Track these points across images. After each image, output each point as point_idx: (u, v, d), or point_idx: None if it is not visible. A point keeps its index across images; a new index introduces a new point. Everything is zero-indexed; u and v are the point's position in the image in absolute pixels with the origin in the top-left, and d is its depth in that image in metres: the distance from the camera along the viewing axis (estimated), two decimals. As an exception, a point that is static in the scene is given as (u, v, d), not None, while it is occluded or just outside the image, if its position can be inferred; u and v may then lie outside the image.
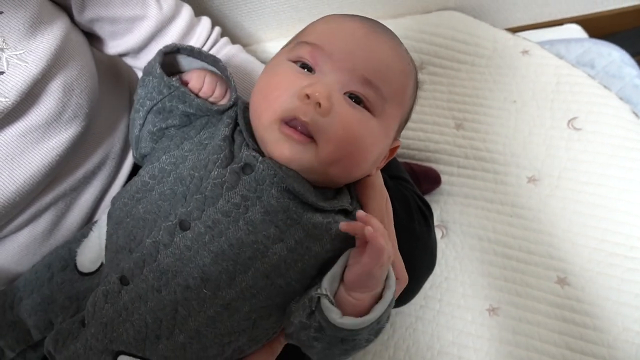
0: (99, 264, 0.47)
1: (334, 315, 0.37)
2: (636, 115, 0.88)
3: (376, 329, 0.39)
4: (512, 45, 0.98)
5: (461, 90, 0.96)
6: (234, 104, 0.46)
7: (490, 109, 0.94)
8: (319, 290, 0.38)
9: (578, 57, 0.99)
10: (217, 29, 0.64)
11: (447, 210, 0.88)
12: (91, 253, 0.48)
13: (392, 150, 0.49)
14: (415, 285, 0.68)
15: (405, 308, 0.80)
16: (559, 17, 1.11)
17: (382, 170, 0.66)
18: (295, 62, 0.43)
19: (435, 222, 0.80)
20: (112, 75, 0.67)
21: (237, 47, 0.66)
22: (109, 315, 0.41)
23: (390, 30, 0.46)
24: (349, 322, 0.37)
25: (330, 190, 0.45)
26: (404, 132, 0.95)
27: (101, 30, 0.56)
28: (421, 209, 0.67)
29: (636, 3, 1.12)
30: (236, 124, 0.45)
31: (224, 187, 0.41)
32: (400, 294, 0.68)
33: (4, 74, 0.44)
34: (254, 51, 0.99)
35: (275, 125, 0.41)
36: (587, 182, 0.85)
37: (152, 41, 0.58)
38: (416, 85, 0.48)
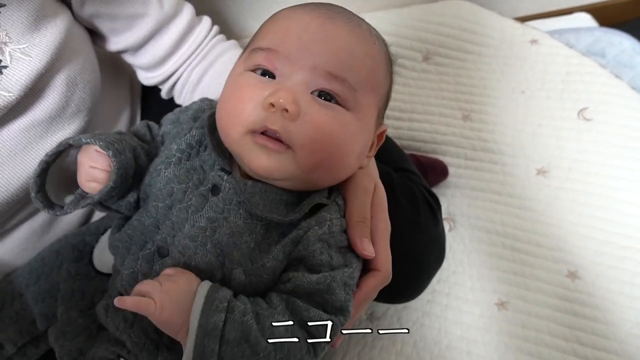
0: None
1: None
2: (648, 105, 0.86)
3: None
4: (521, 35, 0.96)
5: (468, 81, 0.94)
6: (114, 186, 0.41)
7: (498, 99, 0.92)
8: None
9: (588, 47, 0.97)
10: (215, 29, 0.63)
11: (454, 203, 0.86)
12: (109, 256, 0.47)
13: (380, 135, 0.46)
14: (421, 280, 0.67)
15: (412, 303, 0.79)
16: (568, 5, 1.08)
17: (387, 163, 0.65)
18: (253, 70, 0.40)
19: (443, 215, 0.79)
20: (113, 68, 0.66)
21: (231, 42, 0.65)
22: (110, 328, 0.41)
23: (347, 11, 0.43)
24: None
25: (302, 192, 0.43)
26: (408, 124, 0.95)
27: (101, 26, 0.55)
28: (428, 202, 0.66)
29: (647, -9, 1.10)
30: (195, 147, 0.43)
31: (189, 212, 0.40)
32: (407, 288, 0.68)
33: (8, 68, 0.43)
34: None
35: (248, 137, 0.38)
36: (598, 173, 0.83)
37: (151, 39, 0.57)
38: (389, 62, 0.44)
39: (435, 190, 0.85)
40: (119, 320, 0.41)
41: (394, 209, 0.53)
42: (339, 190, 0.44)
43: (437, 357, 0.75)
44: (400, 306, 0.79)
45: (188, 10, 0.59)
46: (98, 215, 0.59)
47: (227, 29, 0.66)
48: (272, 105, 0.37)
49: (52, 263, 0.48)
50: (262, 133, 0.38)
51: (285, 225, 0.40)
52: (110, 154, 0.39)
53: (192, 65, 0.60)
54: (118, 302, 0.34)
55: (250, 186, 0.40)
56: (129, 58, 0.60)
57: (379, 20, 0.96)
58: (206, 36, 0.61)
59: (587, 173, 0.84)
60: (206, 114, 0.44)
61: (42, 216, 0.54)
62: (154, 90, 0.65)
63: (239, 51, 0.65)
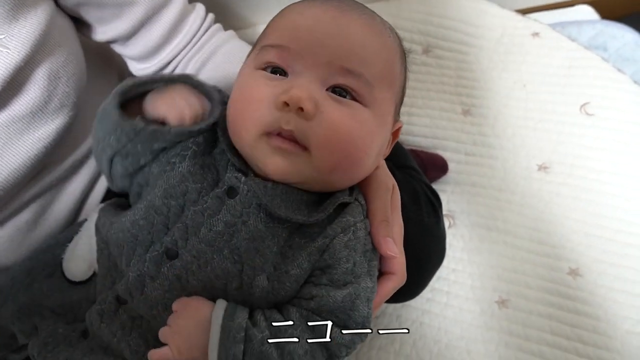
0: (90, 274, 0.45)
1: None
2: (651, 99, 0.85)
3: None
4: (522, 28, 0.94)
5: (469, 75, 0.93)
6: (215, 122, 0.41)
7: (499, 94, 0.90)
8: None
9: (590, 40, 0.96)
10: (210, 17, 0.61)
11: (454, 199, 0.85)
12: (82, 262, 0.45)
13: (395, 133, 0.44)
14: (423, 278, 0.65)
15: (411, 302, 0.77)
16: (569, -2, 1.07)
17: (388, 159, 0.63)
18: (264, 68, 0.38)
19: (443, 212, 0.78)
20: (101, 60, 0.64)
21: (229, 33, 0.63)
22: (104, 335, 0.39)
23: (358, 3, 0.40)
24: None
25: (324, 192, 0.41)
26: (408, 118, 0.93)
27: (87, 15, 0.53)
28: (430, 200, 0.64)
29: (650, -17, 1.08)
30: (211, 141, 0.41)
31: (205, 215, 0.38)
32: (408, 287, 0.66)
33: None
34: (246, 35, 0.95)
35: (263, 140, 0.36)
36: (601, 169, 0.82)
37: (141, 28, 0.55)
38: (403, 56, 0.43)
39: (435, 186, 0.83)
40: (115, 327, 0.39)
41: (396, 207, 0.51)
42: (359, 189, 0.42)
43: (436, 356, 0.74)
44: (399, 305, 0.78)
45: None
46: (84, 215, 0.57)
47: (225, 20, 0.64)
48: (286, 104, 0.35)
49: (21, 282, 0.45)
50: (278, 134, 0.36)
51: (309, 229, 0.39)
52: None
53: (189, 56, 0.58)
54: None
55: (270, 188, 0.38)
56: (119, 48, 0.58)
57: (379, 11, 0.93)
58: (201, 24, 0.59)
59: (589, 169, 0.83)
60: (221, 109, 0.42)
61: (27, 214, 0.52)
62: None
63: (239, 42, 0.63)
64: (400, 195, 0.61)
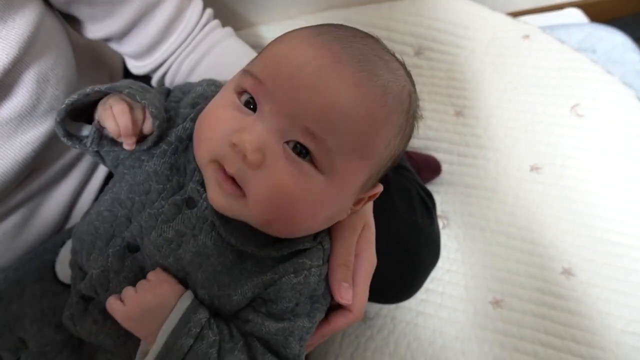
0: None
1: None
2: (640, 101, 0.86)
3: None
4: (513, 30, 0.95)
5: (460, 77, 0.93)
6: (159, 139, 0.40)
7: (491, 96, 0.91)
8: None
9: (579, 42, 0.97)
10: (208, 12, 0.60)
11: (447, 200, 0.85)
12: None
13: (372, 196, 0.41)
14: (417, 279, 0.65)
15: (405, 303, 0.77)
16: (559, 1, 1.08)
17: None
18: (240, 93, 0.36)
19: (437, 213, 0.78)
20: (91, 61, 0.62)
21: (227, 30, 0.62)
22: (84, 336, 0.39)
23: (370, 55, 0.35)
24: None
25: None
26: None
27: (79, 13, 0.51)
28: (424, 200, 0.64)
29: (636, -13, 1.10)
30: (185, 141, 0.40)
31: (159, 220, 0.37)
32: (403, 288, 0.66)
33: None
34: (245, 35, 0.95)
35: (210, 167, 0.35)
36: (592, 170, 0.83)
37: (135, 27, 0.54)
38: (402, 127, 0.37)
39: (428, 187, 0.83)
40: (88, 325, 0.38)
41: (390, 208, 0.51)
42: (327, 231, 0.41)
43: (431, 357, 0.74)
44: (393, 306, 0.78)
45: None
46: (74, 219, 0.56)
47: (223, 20, 0.63)
48: (235, 145, 0.33)
49: (12, 293, 0.45)
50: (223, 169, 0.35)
51: (261, 258, 0.37)
52: (147, 106, 0.38)
53: (183, 55, 0.57)
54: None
55: (221, 224, 0.37)
56: (115, 46, 0.57)
57: (371, 13, 0.94)
58: (197, 21, 0.58)
59: (580, 170, 0.83)
60: (202, 106, 0.40)
61: (14, 218, 0.50)
62: None
63: (234, 40, 0.62)
64: (394, 196, 0.61)
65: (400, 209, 0.60)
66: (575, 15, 1.05)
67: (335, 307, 0.42)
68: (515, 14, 1.04)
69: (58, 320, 0.42)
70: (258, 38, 0.95)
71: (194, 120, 0.40)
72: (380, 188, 0.40)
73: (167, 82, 0.60)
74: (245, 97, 0.36)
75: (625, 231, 0.78)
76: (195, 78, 0.57)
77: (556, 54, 0.91)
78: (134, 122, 0.38)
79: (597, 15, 1.06)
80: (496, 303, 0.77)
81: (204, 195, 0.36)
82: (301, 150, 0.34)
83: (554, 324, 0.74)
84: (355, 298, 0.41)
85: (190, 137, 0.40)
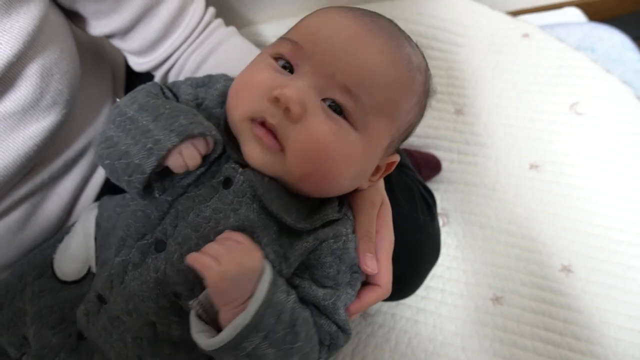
0: (84, 272, 0.44)
1: (193, 327, 0.33)
2: (639, 99, 0.86)
3: (252, 355, 0.33)
4: (512, 29, 0.95)
5: (460, 75, 0.93)
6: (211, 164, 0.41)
7: (491, 94, 0.91)
8: (191, 301, 0.34)
9: (579, 41, 0.97)
10: (210, 10, 0.60)
11: (447, 198, 0.85)
12: (74, 262, 0.44)
13: (390, 164, 0.44)
14: (418, 276, 0.66)
15: (406, 300, 0.77)
16: (558, 0, 1.08)
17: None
18: (276, 58, 0.39)
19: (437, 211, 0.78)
20: (95, 57, 0.63)
21: (231, 29, 0.62)
22: (91, 335, 0.39)
23: (396, 29, 0.40)
24: (201, 341, 0.33)
25: (316, 199, 0.41)
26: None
27: (84, 9, 0.52)
28: (424, 197, 0.65)
29: (635, -14, 1.11)
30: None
31: (196, 201, 0.38)
32: (404, 285, 0.66)
33: None
34: (246, 34, 0.95)
35: (247, 124, 0.37)
36: (591, 167, 0.83)
37: (140, 22, 0.54)
38: (423, 96, 0.42)
39: (428, 185, 0.84)
40: (99, 328, 0.38)
41: (392, 204, 0.51)
42: (348, 204, 0.43)
43: (432, 354, 0.74)
44: (394, 303, 0.78)
45: None
46: (76, 214, 0.56)
47: (224, 18, 0.64)
48: (277, 99, 0.35)
49: (15, 289, 0.45)
50: (261, 123, 0.36)
51: (297, 231, 0.39)
52: (213, 142, 0.38)
53: (189, 51, 0.58)
54: (189, 257, 0.32)
55: (267, 182, 0.38)
56: (117, 43, 0.57)
57: (373, 13, 0.94)
58: (201, 18, 0.58)
59: (579, 167, 0.84)
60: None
61: (17, 214, 0.50)
62: (139, 81, 0.62)
63: (240, 39, 0.62)
64: (395, 193, 0.61)
65: (402, 205, 0.61)
66: (574, 14, 1.05)
67: (363, 285, 0.43)
68: (515, 13, 1.05)
69: (55, 321, 0.42)
70: (258, 36, 0.95)
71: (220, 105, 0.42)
72: (397, 157, 0.43)
73: (172, 78, 0.60)
74: (281, 62, 0.38)
75: (623, 228, 0.79)
76: (201, 75, 0.58)
77: (555, 52, 0.91)
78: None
79: (595, 14, 1.06)
80: (496, 300, 0.78)
81: (239, 170, 0.38)
82: (336, 108, 0.37)
83: (553, 320, 0.75)
84: (381, 273, 0.42)
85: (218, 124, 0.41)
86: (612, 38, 0.98)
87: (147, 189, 0.38)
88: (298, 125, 0.35)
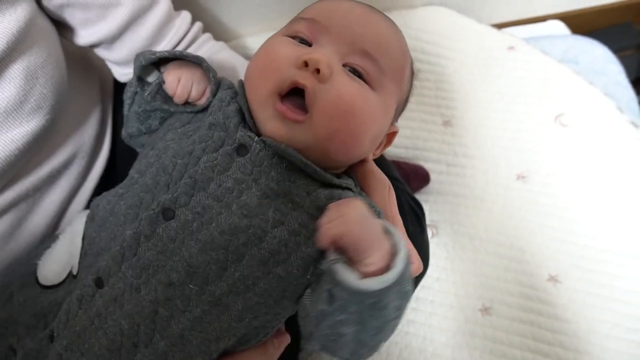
0: (64, 276, 0.43)
1: (353, 278, 0.32)
2: (621, 111, 0.88)
3: (402, 292, 0.34)
4: (498, 41, 0.97)
5: (448, 87, 0.95)
6: (209, 105, 0.45)
7: (478, 106, 0.93)
8: (329, 260, 0.33)
9: (562, 53, 0.99)
10: (197, 24, 0.61)
11: (437, 209, 0.86)
12: (56, 265, 0.44)
13: (390, 135, 0.47)
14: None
15: (396, 311, 0.78)
16: (542, 13, 1.11)
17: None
18: (292, 37, 0.42)
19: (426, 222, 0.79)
20: (82, 68, 0.62)
21: (221, 44, 0.63)
22: (81, 324, 0.37)
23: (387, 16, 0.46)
24: (372, 282, 0.32)
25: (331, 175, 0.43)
26: (390, 130, 0.94)
27: (72, 17, 0.52)
28: (414, 209, 0.65)
29: (615, 0, 1.14)
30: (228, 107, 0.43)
31: (215, 171, 0.39)
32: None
33: None
34: (234, 47, 0.95)
35: (270, 101, 0.39)
36: (576, 178, 0.85)
37: (127, 30, 0.54)
38: (412, 72, 0.47)
39: (417, 196, 0.84)
40: (93, 314, 0.37)
41: (380, 219, 0.52)
42: (361, 187, 0.44)
43: (422, 365, 0.74)
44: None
45: (165, 2, 0.56)
46: (62, 229, 0.56)
47: (211, 32, 0.64)
48: (306, 64, 0.38)
49: (1, 299, 0.44)
50: (285, 96, 0.39)
51: (324, 192, 0.39)
52: (211, 77, 0.45)
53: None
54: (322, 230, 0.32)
55: (284, 147, 0.39)
56: (103, 53, 0.57)
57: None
58: (187, 30, 0.59)
59: (565, 178, 0.85)
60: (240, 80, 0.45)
61: (3, 224, 0.50)
62: None
63: (232, 52, 0.63)
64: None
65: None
66: (558, 27, 1.08)
67: None
68: (500, 26, 1.06)
69: (35, 326, 0.41)
70: (247, 49, 0.96)
71: (222, 88, 0.45)
72: (396, 128, 0.47)
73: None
74: (298, 40, 0.42)
75: (608, 237, 0.80)
76: None
77: (541, 64, 0.93)
78: (191, 94, 0.45)
79: (577, 27, 1.09)
80: (485, 310, 0.78)
81: (255, 139, 0.39)
82: (355, 73, 0.40)
83: (542, 330, 0.75)
84: (412, 251, 0.42)
85: (221, 100, 0.43)
86: (595, 50, 1.00)
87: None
88: (327, 85, 0.38)
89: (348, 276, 0.32)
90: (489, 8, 1.07)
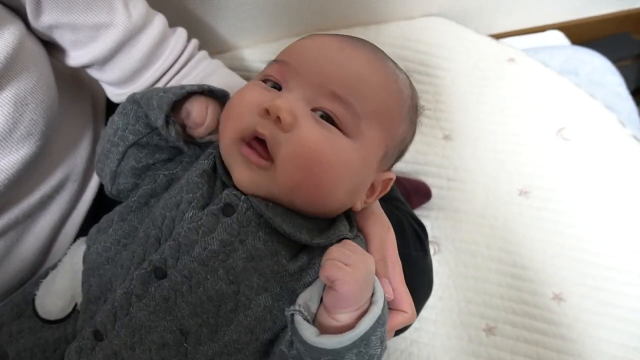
0: (69, 310, 0.42)
1: (309, 333, 0.33)
2: (623, 125, 0.87)
3: (368, 354, 0.34)
4: (498, 53, 0.96)
5: (448, 100, 0.94)
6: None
7: (478, 119, 0.92)
8: (292, 307, 0.34)
9: (562, 64, 0.99)
10: (193, 42, 0.59)
11: (438, 225, 0.85)
12: (60, 299, 0.42)
13: (385, 182, 0.43)
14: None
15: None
16: (541, 23, 1.10)
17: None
18: (264, 81, 0.40)
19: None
20: (73, 88, 0.61)
21: (216, 62, 0.61)
22: None
23: (377, 47, 0.42)
24: (327, 340, 0.32)
25: (324, 220, 0.41)
26: (389, 143, 0.93)
27: (62, 38, 0.50)
28: (416, 232, 0.64)
29: (613, 10, 1.14)
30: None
31: (200, 232, 0.36)
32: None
33: None
34: (229, 58, 0.94)
35: (235, 146, 0.37)
36: (578, 193, 0.84)
37: (119, 52, 0.52)
38: (411, 110, 0.42)
39: (418, 212, 0.83)
40: None
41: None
42: (357, 227, 0.42)
43: (426, 387, 0.73)
44: (387, 335, 0.77)
45: (160, 20, 0.55)
46: (54, 254, 0.54)
47: (205, 43, 0.63)
48: (267, 111, 0.36)
49: None
50: (248, 143, 0.37)
51: (309, 254, 0.38)
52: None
53: (174, 83, 0.56)
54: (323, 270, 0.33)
55: (272, 207, 0.37)
56: (95, 73, 0.55)
57: (357, 36, 0.94)
58: (183, 48, 0.57)
59: (567, 193, 0.84)
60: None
61: None
62: None
63: (228, 71, 0.62)
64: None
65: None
66: (557, 37, 1.07)
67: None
68: (499, 36, 1.06)
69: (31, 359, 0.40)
70: (242, 61, 0.94)
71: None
72: (392, 175, 0.43)
73: None
74: (270, 83, 0.39)
75: (613, 254, 0.79)
76: None
77: (541, 77, 0.92)
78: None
79: (576, 37, 1.08)
80: (489, 330, 0.77)
81: (242, 198, 0.37)
82: (327, 119, 0.37)
83: (547, 350, 0.74)
84: (405, 299, 0.41)
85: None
86: (594, 61, 1.00)
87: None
88: (289, 134, 0.36)
89: (304, 330, 0.33)
90: (487, 19, 1.06)
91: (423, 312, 0.78)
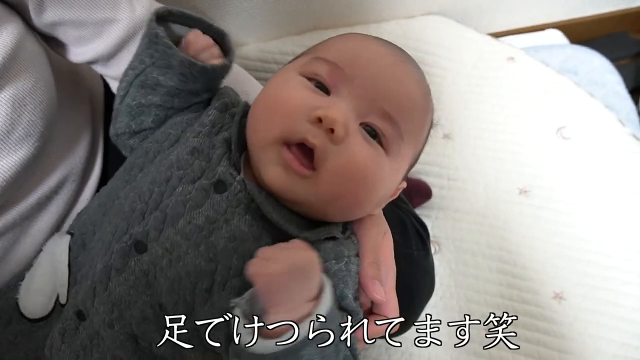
0: (51, 306, 0.41)
1: (243, 334, 0.30)
2: (622, 124, 0.88)
3: None
4: (498, 52, 0.96)
5: (448, 99, 0.93)
6: (221, 70, 0.44)
7: (479, 118, 0.91)
8: (234, 301, 0.32)
9: (561, 63, 0.99)
10: None
11: (438, 225, 0.85)
12: (40, 296, 0.42)
13: (397, 189, 0.44)
14: (414, 313, 0.65)
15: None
16: (540, 22, 1.10)
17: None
18: (309, 79, 0.38)
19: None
20: (72, 85, 0.60)
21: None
22: (65, 359, 0.36)
23: (415, 62, 0.42)
24: (258, 345, 0.29)
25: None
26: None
27: (65, 35, 0.49)
28: (418, 232, 0.64)
29: (612, 9, 1.14)
30: (218, 126, 0.41)
31: (187, 206, 0.36)
32: (400, 322, 0.65)
33: None
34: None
35: (275, 147, 0.36)
36: (578, 193, 0.84)
37: (123, 48, 0.51)
38: (432, 124, 0.43)
39: (419, 211, 0.83)
40: (77, 347, 0.36)
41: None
42: (352, 228, 0.41)
43: (427, 387, 0.73)
44: (387, 336, 0.76)
45: None
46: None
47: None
48: (320, 120, 0.34)
49: None
50: (290, 147, 0.35)
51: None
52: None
53: None
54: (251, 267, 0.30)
55: (264, 195, 0.37)
56: (100, 69, 0.54)
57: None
58: None
59: (567, 192, 0.84)
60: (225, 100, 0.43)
61: None
62: None
63: (236, 67, 0.61)
64: (390, 229, 0.60)
65: (396, 242, 0.59)
66: (556, 36, 1.07)
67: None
68: (498, 35, 1.06)
69: None
70: (243, 59, 0.94)
71: (217, 109, 0.42)
72: (404, 184, 0.44)
73: None
74: (314, 82, 0.38)
75: (613, 254, 0.79)
76: None
77: (540, 76, 0.92)
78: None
79: (575, 36, 1.08)
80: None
81: (237, 178, 0.37)
82: (371, 133, 0.37)
83: (548, 349, 0.74)
84: (390, 304, 0.41)
85: (214, 124, 0.41)
86: (593, 61, 1.00)
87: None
88: (339, 146, 0.35)
89: (240, 329, 0.30)
90: (487, 17, 1.06)
91: (425, 311, 0.78)
